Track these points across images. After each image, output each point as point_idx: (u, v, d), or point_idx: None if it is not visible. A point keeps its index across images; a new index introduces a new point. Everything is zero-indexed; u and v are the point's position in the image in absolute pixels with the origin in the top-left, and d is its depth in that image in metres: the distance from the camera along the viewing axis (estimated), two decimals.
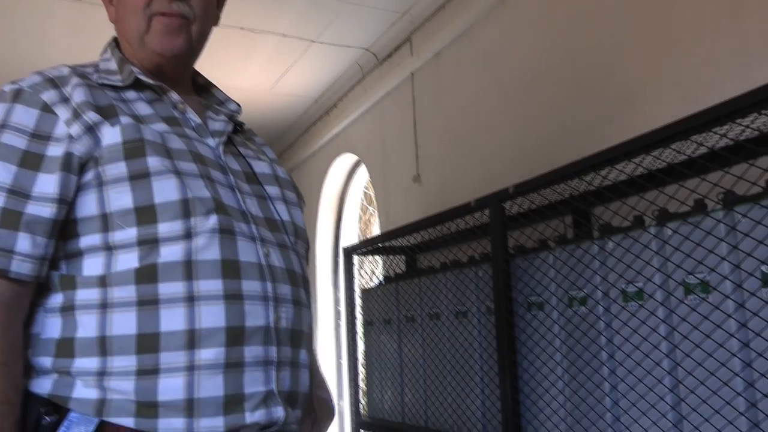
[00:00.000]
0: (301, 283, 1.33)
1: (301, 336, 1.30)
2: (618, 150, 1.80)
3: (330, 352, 5.66)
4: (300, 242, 1.39)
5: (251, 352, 1.19)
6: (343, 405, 5.41)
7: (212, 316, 1.16)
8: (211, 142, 1.32)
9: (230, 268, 1.19)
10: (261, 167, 1.40)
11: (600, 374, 1.90)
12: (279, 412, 1.21)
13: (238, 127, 1.46)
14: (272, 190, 1.38)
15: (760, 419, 1.47)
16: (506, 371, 2.19)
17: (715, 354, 1.55)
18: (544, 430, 2.11)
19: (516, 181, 2.19)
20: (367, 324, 3.44)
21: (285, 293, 1.26)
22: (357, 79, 4.65)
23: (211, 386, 1.14)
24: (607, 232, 1.93)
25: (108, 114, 1.22)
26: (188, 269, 1.16)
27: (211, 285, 1.17)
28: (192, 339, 1.14)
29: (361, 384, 3.48)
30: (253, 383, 1.19)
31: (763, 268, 1.46)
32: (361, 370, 3.49)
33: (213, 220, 1.19)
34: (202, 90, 1.48)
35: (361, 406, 3.45)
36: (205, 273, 1.17)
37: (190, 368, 1.13)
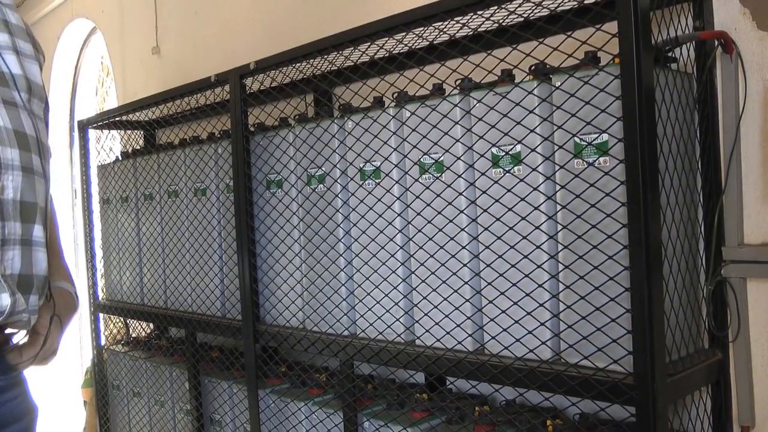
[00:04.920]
0: (36, 149, 1.08)
1: (34, 209, 1.06)
2: (361, 31, 1.72)
3: (66, 233, 5.23)
4: (35, 101, 1.13)
5: None
6: (79, 288, 5.06)
7: None
8: None
9: None
10: None
11: (336, 250, 1.87)
12: (4, 299, 1.00)
13: None
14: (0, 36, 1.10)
15: (482, 286, 1.51)
16: (244, 249, 2.11)
17: (445, 229, 1.56)
18: (282, 307, 2.07)
19: (260, 58, 2.02)
20: (104, 202, 3.16)
21: (11, 158, 1.02)
22: None
23: None
24: (347, 111, 1.87)
25: None
26: None
27: None
28: None
29: (99, 266, 3.22)
30: None
31: (494, 150, 1.47)
32: (98, 251, 3.22)
33: None
34: None
35: (98, 289, 3.20)
36: None
37: None
